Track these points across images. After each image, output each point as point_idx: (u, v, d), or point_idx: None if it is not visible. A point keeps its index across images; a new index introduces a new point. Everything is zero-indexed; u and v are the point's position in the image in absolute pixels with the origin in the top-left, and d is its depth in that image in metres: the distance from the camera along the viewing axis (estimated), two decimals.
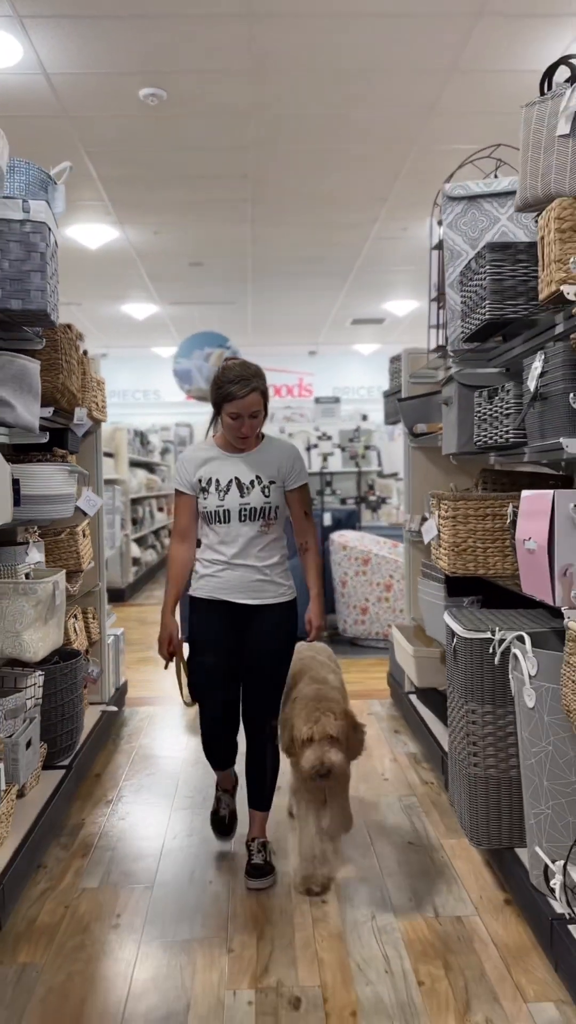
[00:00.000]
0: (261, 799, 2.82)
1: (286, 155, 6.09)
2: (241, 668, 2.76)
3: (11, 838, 2.65)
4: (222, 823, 2.97)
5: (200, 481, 2.73)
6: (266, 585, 2.73)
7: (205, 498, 2.71)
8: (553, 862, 2.16)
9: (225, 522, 2.70)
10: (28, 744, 2.83)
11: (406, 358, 4.37)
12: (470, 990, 2.11)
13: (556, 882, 2.10)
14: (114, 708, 4.30)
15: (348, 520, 7.69)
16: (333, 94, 5.07)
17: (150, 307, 11.03)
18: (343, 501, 8.84)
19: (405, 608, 4.78)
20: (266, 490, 2.71)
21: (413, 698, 4.27)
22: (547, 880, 2.19)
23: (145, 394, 15.17)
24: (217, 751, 2.90)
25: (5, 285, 2.66)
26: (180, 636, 2.80)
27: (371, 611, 6.45)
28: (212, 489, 2.70)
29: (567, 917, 2.12)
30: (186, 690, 2.81)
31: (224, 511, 2.68)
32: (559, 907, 2.16)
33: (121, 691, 4.61)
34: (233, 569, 2.71)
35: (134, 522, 9.69)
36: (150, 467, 11.47)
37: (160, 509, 11.90)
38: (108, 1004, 2.08)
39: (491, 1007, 2.04)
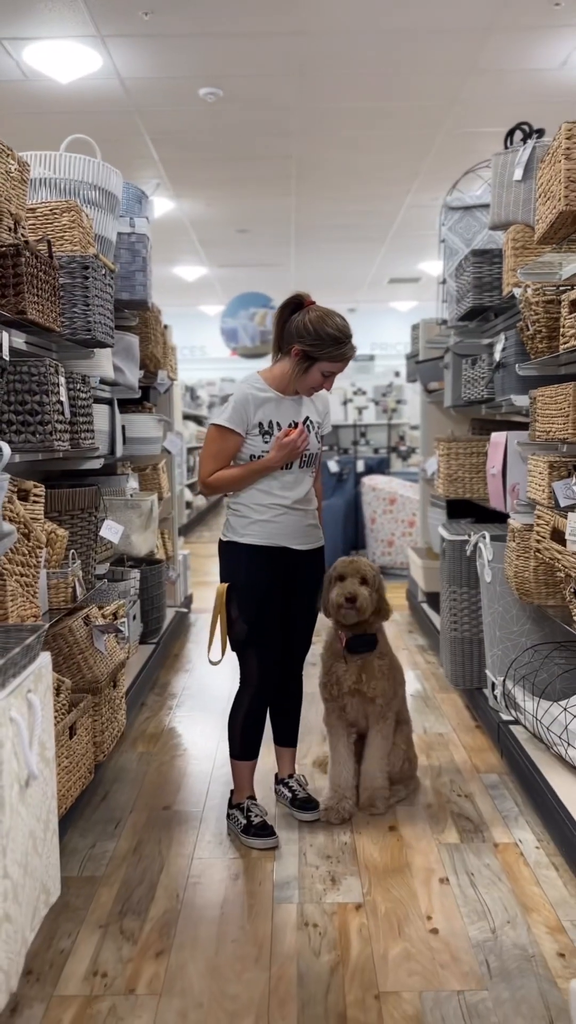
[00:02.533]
0: (294, 734, 2.90)
1: (326, 139, 6.92)
2: (286, 613, 2.69)
3: (125, 680, 3.73)
4: (266, 827, 2.62)
5: (261, 425, 2.58)
6: (314, 530, 2.70)
7: (266, 441, 2.58)
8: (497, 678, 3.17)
9: (287, 468, 2.59)
10: (134, 617, 3.91)
11: (423, 327, 5.29)
12: (442, 767, 3.15)
13: (498, 692, 3.11)
14: (184, 610, 5.39)
15: (379, 467, 8.65)
16: (369, 88, 5.87)
17: (199, 269, 11.93)
18: (375, 451, 9.79)
19: (419, 533, 5.75)
20: (317, 435, 2.68)
21: (424, 606, 5.27)
22: (495, 695, 3.20)
23: (192, 350, 16.09)
24: (262, 711, 2.74)
25: (118, 282, 3.65)
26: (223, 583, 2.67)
27: (396, 544, 7.44)
28: (276, 432, 2.58)
29: (508, 720, 3.13)
30: (217, 646, 2.64)
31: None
32: (505, 716, 3.17)
33: (188, 600, 5.71)
34: (292, 514, 2.61)
35: (188, 470, 10.78)
36: (199, 420, 12.50)
37: None
38: (199, 773, 3.15)
39: (455, 775, 3.08)
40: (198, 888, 2.35)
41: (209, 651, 2.68)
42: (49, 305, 2.62)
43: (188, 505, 10.68)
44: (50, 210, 2.95)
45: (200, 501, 11.69)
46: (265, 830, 2.60)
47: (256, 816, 2.64)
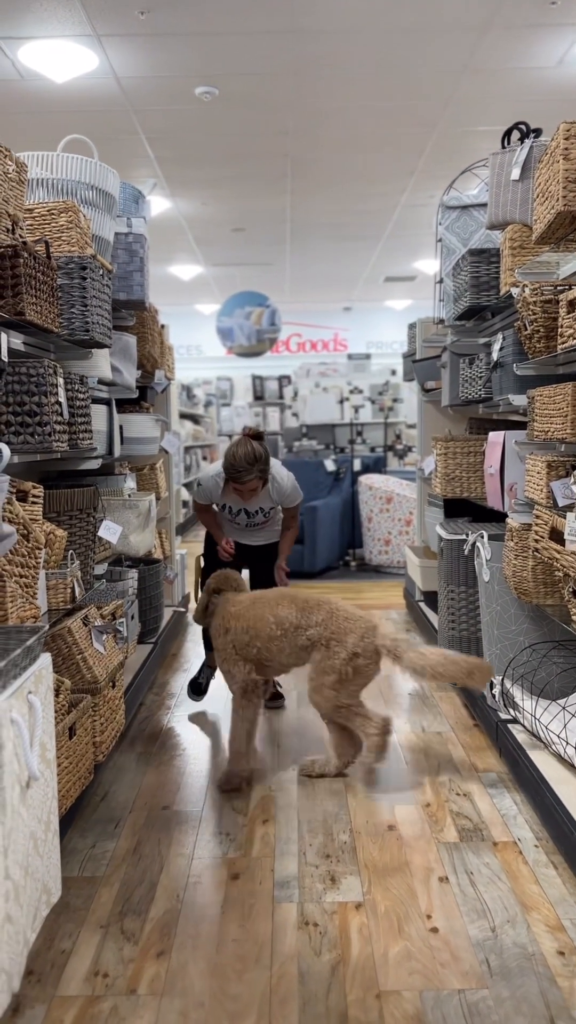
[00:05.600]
0: None
1: (322, 138, 6.92)
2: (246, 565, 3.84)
3: (124, 679, 3.73)
4: (199, 687, 3.90)
5: (223, 504, 3.72)
6: (262, 532, 3.81)
7: (228, 512, 3.74)
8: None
9: (238, 524, 3.77)
10: (132, 617, 3.91)
11: (420, 326, 5.29)
12: (441, 766, 3.15)
13: (497, 691, 3.12)
14: (182, 609, 5.39)
15: (375, 465, 8.65)
16: (364, 87, 5.88)
17: (195, 268, 11.93)
18: (372, 449, 9.80)
19: (417, 533, 5.76)
20: (267, 513, 3.70)
21: (422, 605, 5.28)
22: (493, 694, 3.21)
23: (188, 349, 16.10)
24: None
25: (116, 282, 3.65)
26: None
27: (393, 543, 7.45)
28: (227, 510, 3.73)
29: (507, 719, 3.14)
30: (198, 604, 3.36)
31: (238, 519, 3.74)
32: (504, 715, 3.18)
33: (186, 599, 5.70)
34: (244, 532, 3.80)
35: (185, 469, 10.76)
36: (195, 419, 12.49)
37: (204, 458, 12.94)
38: (198, 773, 3.16)
39: (454, 773, 3.08)
40: (198, 888, 2.36)
41: (195, 611, 3.37)
42: (47, 306, 2.61)
43: (185, 504, 10.67)
44: (48, 210, 2.95)
45: None
46: (197, 690, 3.92)
47: (203, 677, 3.94)
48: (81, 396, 3.02)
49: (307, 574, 7.18)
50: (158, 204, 8.83)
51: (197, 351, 16.06)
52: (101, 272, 3.08)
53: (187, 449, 11.14)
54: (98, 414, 3.35)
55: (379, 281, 13.34)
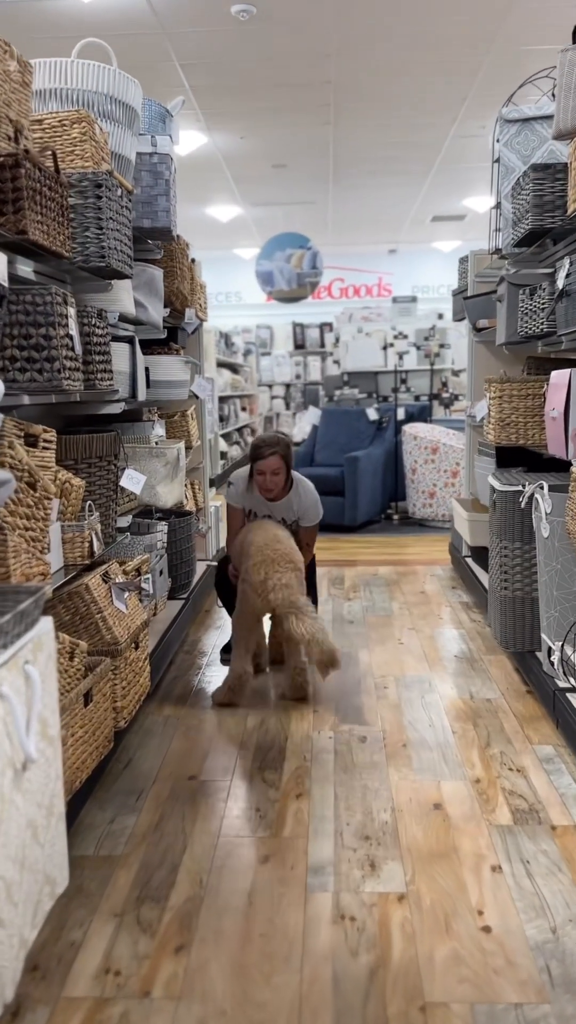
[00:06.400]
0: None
1: (368, 61, 6.43)
2: None
3: (151, 638, 3.53)
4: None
5: (245, 508, 3.63)
6: None
7: (250, 515, 3.66)
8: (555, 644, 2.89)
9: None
10: (161, 572, 3.68)
11: (472, 259, 4.89)
12: (491, 737, 2.89)
13: (555, 658, 2.83)
14: (215, 564, 5.16)
15: (420, 414, 8.27)
16: (413, 6, 5.39)
17: (234, 209, 11.47)
18: (416, 398, 9.39)
19: (465, 485, 5.43)
20: (290, 525, 3.58)
21: (469, 560, 4.98)
22: (551, 660, 2.92)
23: (227, 296, 15.67)
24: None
25: (139, 207, 3.34)
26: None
27: (438, 495, 7.12)
28: (252, 516, 3.64)
29: (566, 688, 2.86)
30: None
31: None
32: (562, 683, 2.89)
33: (220, 552, 5.47)
34: None
35: (221, 419, 10.47)
36: (234, 368, 12.15)
37: (243, 409, 12.62)
38: (231, 734, 2.95)
39: (505, 746, 2.82)
40: (224, 872, 2.14)
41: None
42: (56, 227, 2.33)
43: (223, 455, 10.41)
44: (59, 121, 2.64)
45: (235, 452, 11.43)
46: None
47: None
48: (99, 332, 2.75)
49: (347, 528, 6.90)
50: (194, 139, 8.40)
51: (237, 298, 15.63)
52: (120, 192, 2.78)
53: (224, 399, 10.83)
54: (120, 353, 3.08)
55: (426, 221, 12.73)
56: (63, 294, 2.30)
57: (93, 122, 2.70)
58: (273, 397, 14.81)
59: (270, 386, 14.80)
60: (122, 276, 2.92)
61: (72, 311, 2.37)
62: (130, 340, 3.19)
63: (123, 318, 3.20)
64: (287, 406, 14.55)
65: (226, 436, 10.94)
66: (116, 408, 3.07)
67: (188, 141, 8.41)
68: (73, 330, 2.37)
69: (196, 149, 8.65)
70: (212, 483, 9.73)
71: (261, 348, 14.79)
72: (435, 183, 10.43)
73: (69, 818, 2.26)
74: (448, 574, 5.33)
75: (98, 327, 2.76)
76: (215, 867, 2.16)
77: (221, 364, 10.82)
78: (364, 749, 2.81)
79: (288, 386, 14.83)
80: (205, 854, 2.22)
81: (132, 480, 2.98)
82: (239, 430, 12.35)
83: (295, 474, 3.58)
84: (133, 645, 2.74)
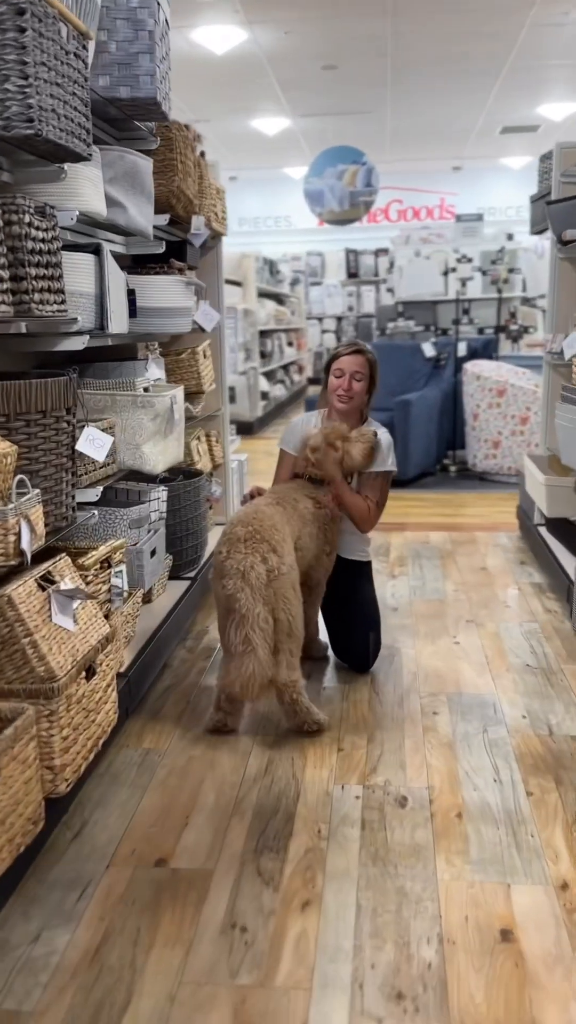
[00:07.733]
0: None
1: None
2: None
3: (137, 638, 2.79)
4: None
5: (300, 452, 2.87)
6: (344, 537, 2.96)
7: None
8: None
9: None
10: (153, 553, 2.93)
11: (558, 153, 3.89)
12: None
13: None
14: None
15: (484, 350, 7.26)
16: None
17: (281, 121, 10.37)
18: (481, 331, 8.36)
19: (540, 438, 4.53)
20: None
21: (542, 530, 4.11)
22: None
23: (276, 220, 14.59)
24: None
25: (113, 71, 2.48)
26: None
27: (503, 445, 6.19)
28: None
29: None
30: None
31: None
32: None
33: None
34: None
35: (263, 355, 9.56)
36: (279, 298, 11.18)
37: (290, 344, 11.67)
38: (224, 786, 2.22)
39: None
40: None
41: None
42: None
43: (264, 396, 9.54)
44: None
45: (278, 392, 10.54)
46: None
47: None
48: (38, 234, 1.96)
49: (397, 481, 5.98)
50: (234, 36, 7.35)
51: (286, 222, 14.54)
52: (66, 32, 1.94)
53: (266, 333, 9.90)
54: (80, 268, 2.28)
55: (495, 133, 11.41)
56: None
57: None
58: (324, 331, 13.81)
59: (320, 319, 13.78)
60: (77, 157, 2.10)
61: None
62: (96, 250, 2.37)
63: (87, 220, 2.38)
64: (338, 341, 13.52)
65: (268, 375, 10.06)
66: (75, 343, 2.28)
67: (226, 37, 7.36)
68: None
69: (235, 47, 7.60)
70: (249, 429, 8.86)
71: (311, 277, 13.74)
72: (506, 86, 9.18)
73: None
74: (515, 544, 4.47)
75: (38, 228, 1.96)
76: None
77: (264, 294, 9.88)
78: (403, 820, 2.05)
79: (340, 319, 13.79)
80: (154, 1014, 1.50)
81: (93, 443, 2.20)
82: (284, 367, 11.42)
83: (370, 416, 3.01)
84: (82, 675, 1.99)
